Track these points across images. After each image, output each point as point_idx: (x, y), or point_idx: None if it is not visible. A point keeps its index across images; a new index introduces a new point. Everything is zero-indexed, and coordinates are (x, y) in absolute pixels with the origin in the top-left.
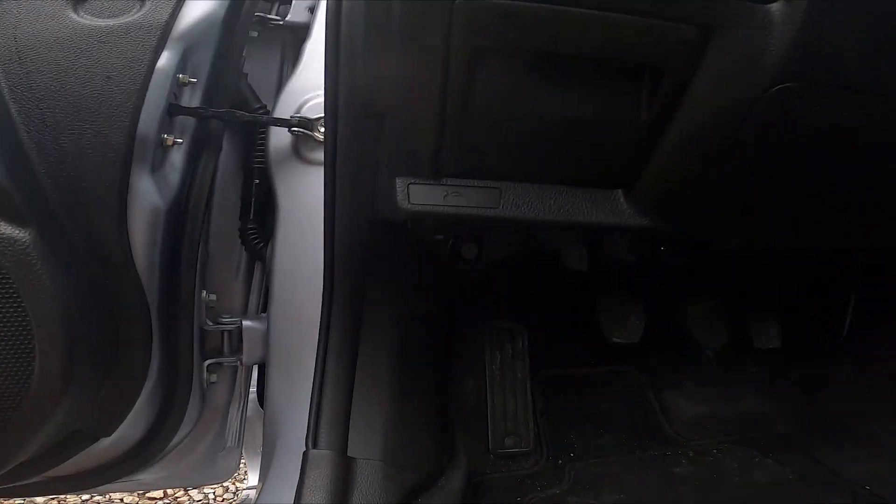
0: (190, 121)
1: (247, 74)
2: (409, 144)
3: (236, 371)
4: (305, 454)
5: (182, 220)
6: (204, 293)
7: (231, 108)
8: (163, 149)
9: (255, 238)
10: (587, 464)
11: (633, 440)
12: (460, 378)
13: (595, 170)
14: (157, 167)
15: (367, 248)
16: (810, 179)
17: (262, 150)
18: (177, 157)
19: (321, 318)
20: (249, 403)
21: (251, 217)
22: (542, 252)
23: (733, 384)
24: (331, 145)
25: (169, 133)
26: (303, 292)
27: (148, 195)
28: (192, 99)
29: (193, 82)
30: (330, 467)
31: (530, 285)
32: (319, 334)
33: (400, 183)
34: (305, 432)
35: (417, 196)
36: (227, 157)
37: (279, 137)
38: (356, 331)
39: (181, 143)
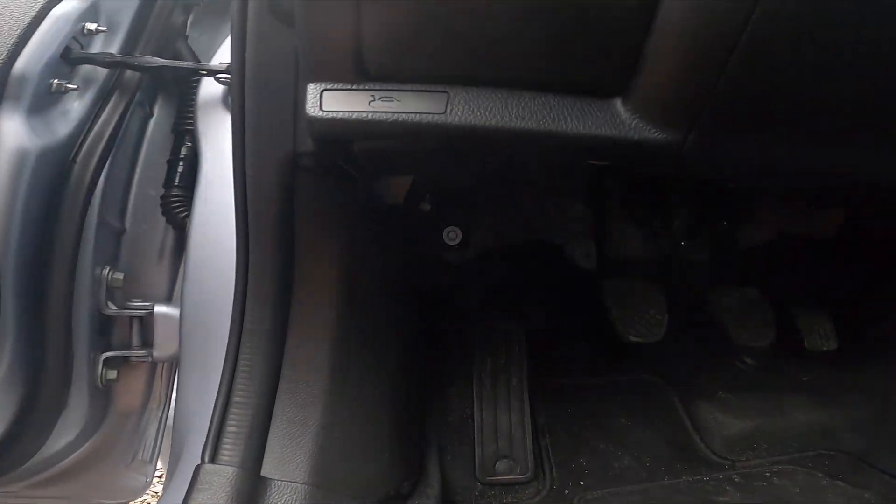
0: (98, 72)
1: (187, 36)
2: (324, 42)
3: (154, 368)
4: (198, 469)
5: (67, 171)
6: (107, 270)
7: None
8: (50, 94)
9: (179, 207)
10: (602, 493)
11: (661, 463)
12: (440, 387)
13: (578, 68)
14: (36, 110)
15: (291, 197)
16: (847, 87)
17: (192, 108)
18: (73, 106)
19: (234, 296)
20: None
21: (176, 183)
22: (542, 243)
23: (782, 393)
24: (238, 60)
25: (63, 79)
26: (223, 269)
27: (14, 134)
28: (105, 49)
29: (103, 31)
30: (227, 488)
31: (529, 278)
32: (232, 318)
33: (312, 89)
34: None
35: (333, 103)
36: (159, 121)
37: (209, 90)
38: (282, 313)
39: (76, 90)
